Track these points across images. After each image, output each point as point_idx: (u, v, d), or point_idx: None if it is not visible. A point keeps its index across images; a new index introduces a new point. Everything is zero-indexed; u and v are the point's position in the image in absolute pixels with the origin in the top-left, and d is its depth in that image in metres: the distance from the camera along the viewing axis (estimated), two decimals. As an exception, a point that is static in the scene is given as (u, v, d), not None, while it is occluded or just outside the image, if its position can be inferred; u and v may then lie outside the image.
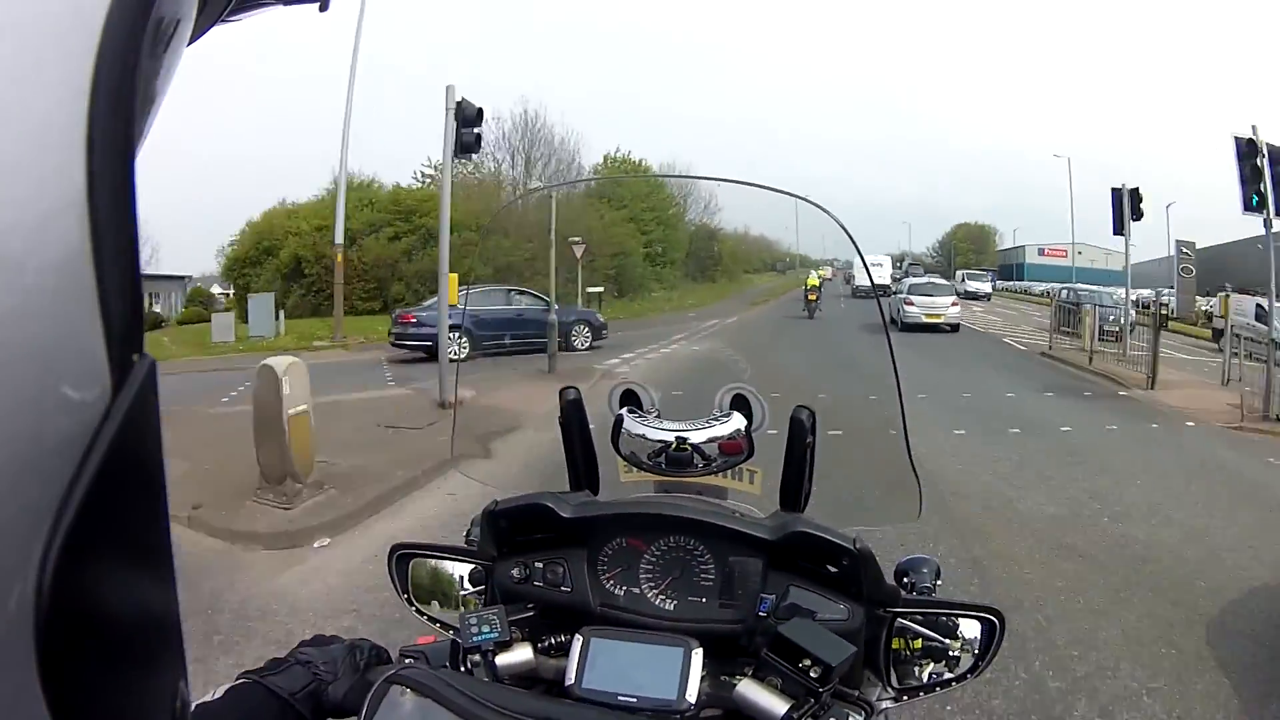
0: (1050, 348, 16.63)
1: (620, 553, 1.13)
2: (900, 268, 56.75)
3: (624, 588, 1.13)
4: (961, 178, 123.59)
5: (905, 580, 1.28)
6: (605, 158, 30.81)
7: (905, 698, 1.13)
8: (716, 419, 1.22)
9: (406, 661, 0.92)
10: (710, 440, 1.19)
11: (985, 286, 45.47)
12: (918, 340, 16.70)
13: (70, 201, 0.27)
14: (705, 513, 1.13)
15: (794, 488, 1.20)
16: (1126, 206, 15.94)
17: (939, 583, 1.31)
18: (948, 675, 1.12)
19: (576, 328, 13.75)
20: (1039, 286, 59.28)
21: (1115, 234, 16.60)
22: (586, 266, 18.23)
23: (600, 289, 19.33)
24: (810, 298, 11.89)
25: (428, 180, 27.06)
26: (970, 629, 1.12)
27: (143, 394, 0.30)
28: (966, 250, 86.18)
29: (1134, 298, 43.20)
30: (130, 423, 0.29)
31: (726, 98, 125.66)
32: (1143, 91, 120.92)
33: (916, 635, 1.12)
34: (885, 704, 1.15)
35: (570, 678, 0.97)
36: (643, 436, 1.20)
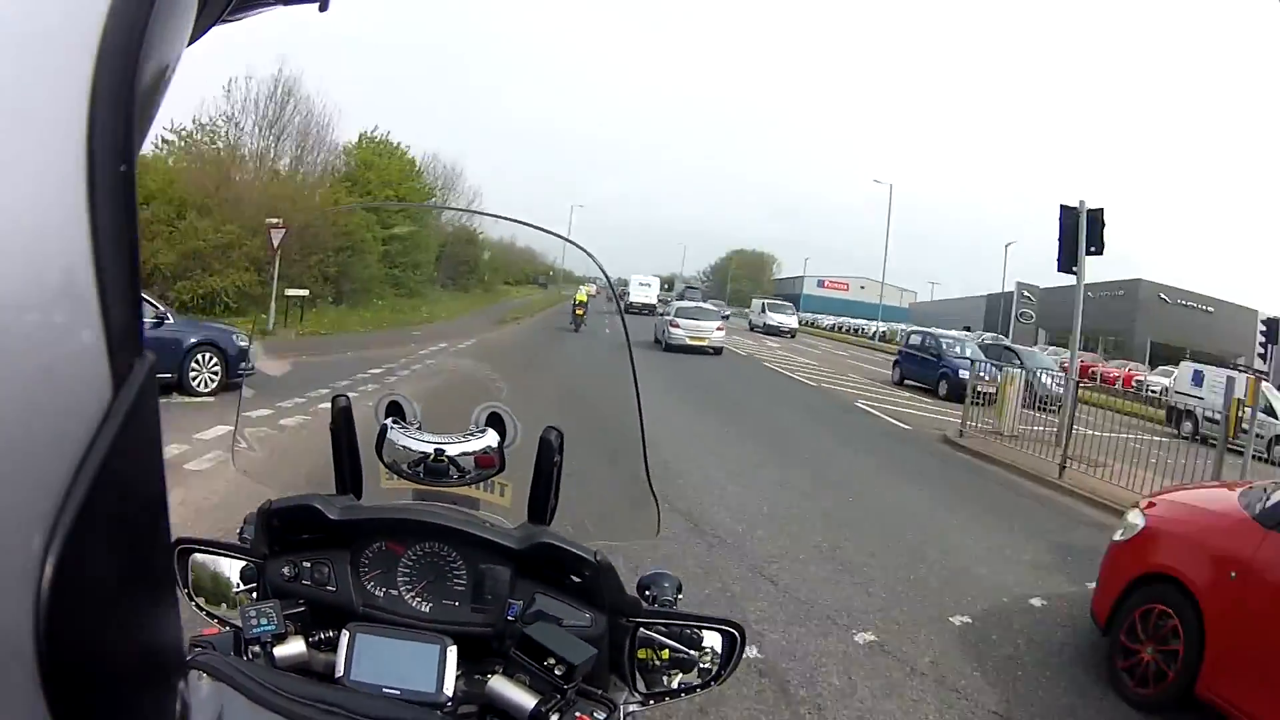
0: (961, 432, 11.26)
1: (380, 556, 1.19)
2: (670, 289, 56.59)
3: (384, 589, 1.18)
4: (744, 205, 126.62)
5: (647, 593, 1.35)
6: (361, 136, 26.92)
7: (651, 702, 1.22)
8: (472, 434, 1.28)
9: (198, 650, 0.93)
10: (465, 454, 1.25)
11: (790, 320, 40.62)
12: (774, 418, 11.95)
13: (70, 202, 0.27)
14: (457, 520, 1.19)
15: (541, 502, 1.26)
16: (1081, 232, 11.30)
17: (680, 597, 1.38)
18: (691, 683, 1.21)
19: (198, 356, 8.65)
20: (826, 320, 58.10)
21: (1061, 270, 11.76)
22: (297, 261, 14.49)
23: (304, 291, 14.80)
24: (578, 312, 12.32)
25: (166, 147, 20.47)
26: (713, 640, 1.20)
27: (143, 394, 0.31)
28: (741, 277, 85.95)
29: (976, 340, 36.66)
30: (130, 423, 0.29)
31: (509, 98, 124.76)
32: (961, 131, 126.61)
33: (663, 645, 1.20)
34: (632, 707, 1.24)
35: (340, 670, 1.04)
36: (404, 447, 1.25)
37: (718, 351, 22.76)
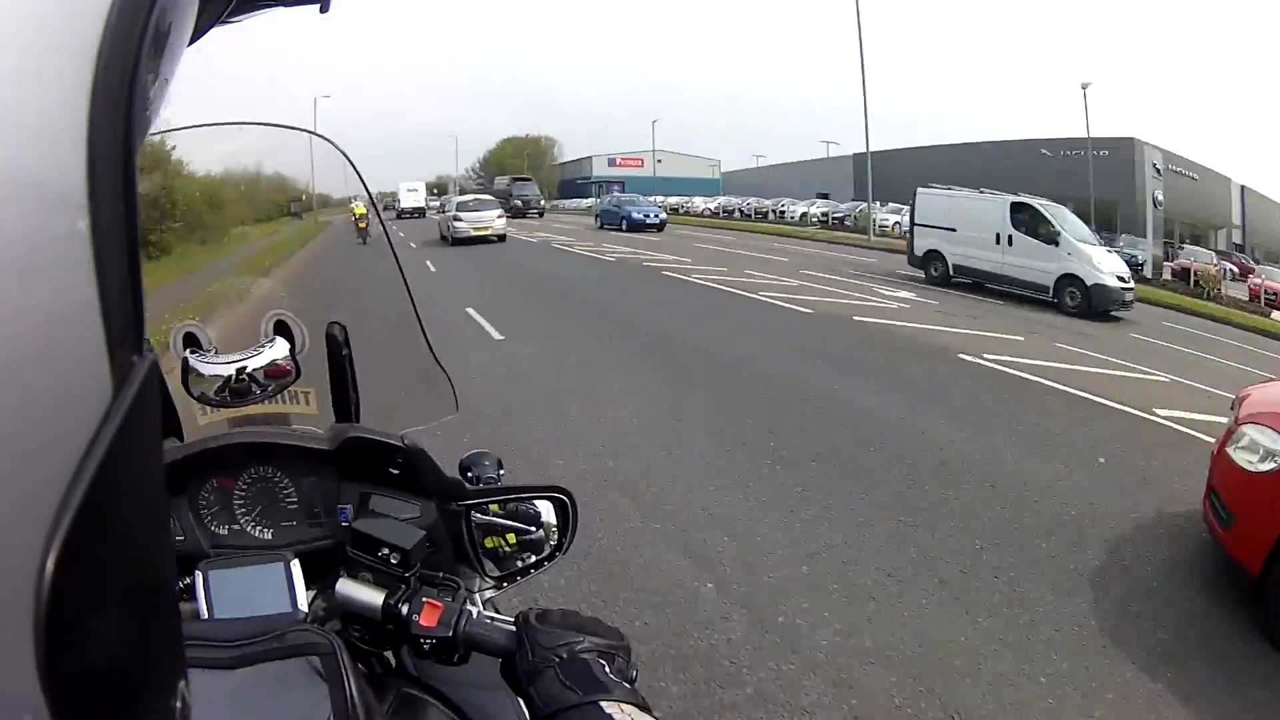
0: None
1: (215, 493, 1.19)
2: (441, 194, 54.97)
3: (226, 526, 1.18)
4: (500, 103, 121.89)
5: (469, 475, 1.39)
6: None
7: (505, 585, 1.25)
8: (264, 346, 1.25)
9: None
10: (264, 366, 1.23)
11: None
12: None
13: (70, 201, 0.27)
14: (268, 435, 1.20)
15: (344, 400, 1.28)
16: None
17: (503, 473, 1.42)
18: (537, 558, 1.23)
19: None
20: (585, 202, 52.99)
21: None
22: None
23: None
24: (361, 225, 11.42)
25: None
26: (548, 511, 1.22)
27: (143, 394, 0.30)
28: (517, 167, 71.67)
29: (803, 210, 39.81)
30: (130, 423, 0.29)
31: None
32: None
33: (508, 529, 1.21)
34: (488, 593, 1.26)
35: (203, 613, 1.03)
36: (206, 375, 1.22)
37: (501, 239, 23.95)
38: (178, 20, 0.35)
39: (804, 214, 39.73)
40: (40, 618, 0.26)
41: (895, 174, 37.43)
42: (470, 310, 11.16)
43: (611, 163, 69.96)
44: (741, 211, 43.86)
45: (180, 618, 0.37)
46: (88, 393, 0.28)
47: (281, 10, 0.64)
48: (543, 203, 39.48)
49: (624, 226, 30.27)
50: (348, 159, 1.41)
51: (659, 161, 64.60)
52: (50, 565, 0.26)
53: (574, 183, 71.29)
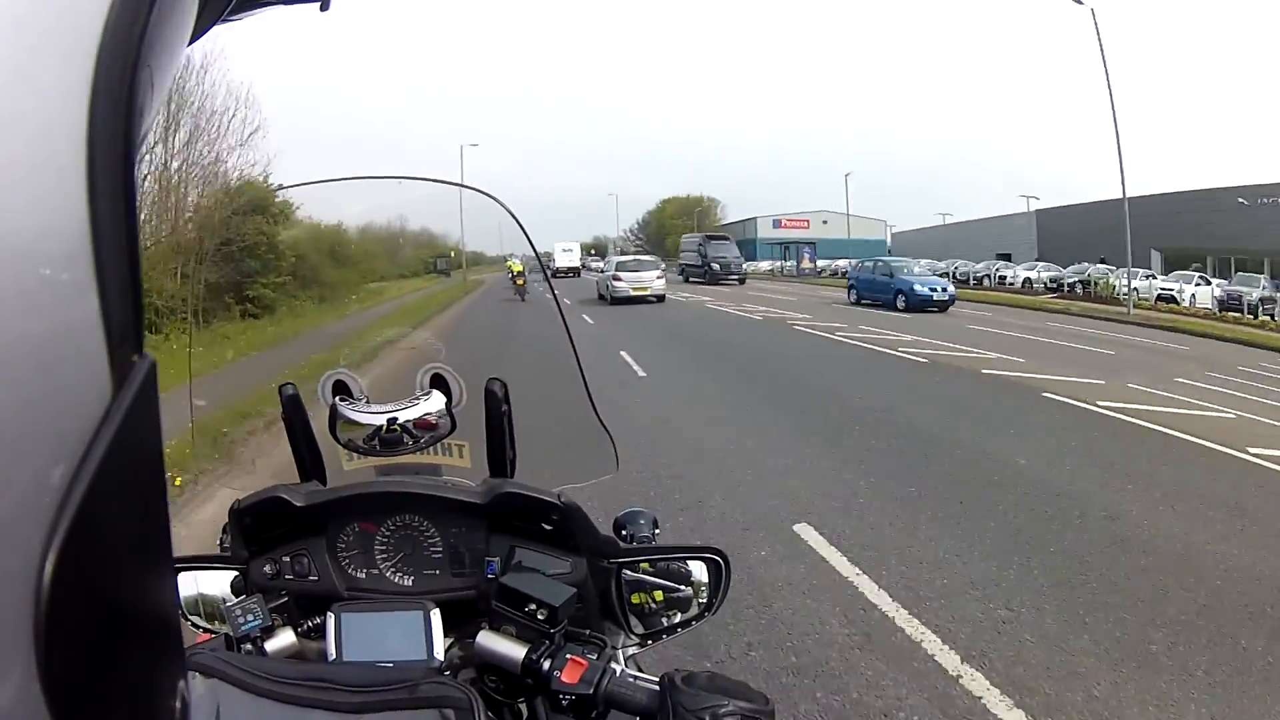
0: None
1: (355, 537, 1.19)
2: (598, 254, 56.24)
3: (364, 570, 1.19)
4: (657, 161, 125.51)
5: (624, 533, 1.37)
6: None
7: (649, 641, 1.23)
8: (419, 398, 1.27)
9: (192, 653, 0.94)
10: (416, 419, 1.25)
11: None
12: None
13: (70, 201, 0.27)
14: (420, 486, 1.20)
15: (499, 456, 1.27)
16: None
17: (658, 532, 1.40)
18: (685, 617, 1.21)
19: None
20: (763, 264, 51.49)
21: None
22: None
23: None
24: (519, 282, 11.66)
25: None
26: (700, 571, 1.21)
27: (143, 394, 0.31)
28: (681, 227, 70.05)
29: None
30: (130, 423, 0.29)
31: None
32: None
33: (655, 587, 1.20)
34: (631, 649, 1.25)
35: (331, 654, 1.04)
36: (356, 422, 1.24)
37: (660, 299, 24.28)
38: (178, 20, 0.34)
39: (1028, 279, 34.20)
40: (40, 618, 0.26)
41: (1071, 231, 36.00)
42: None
43: (777, 224, 66.50)
44: (952, 276, 36.26)
45: (180, 617, 0.37)
46: (88, 393, 0.29)
47: (282, 9, 0.63)
48: (744, 266, 35.20)
49: (902, 305, 21.47)
50: (513, 216, 1.39)
51: (824, 223, 60.64)
52: (50, 565, 0.26)
53: (739, 245, 69.22)
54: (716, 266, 33.17)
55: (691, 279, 34.29)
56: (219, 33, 0.53)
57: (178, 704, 0.35)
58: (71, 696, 0.27)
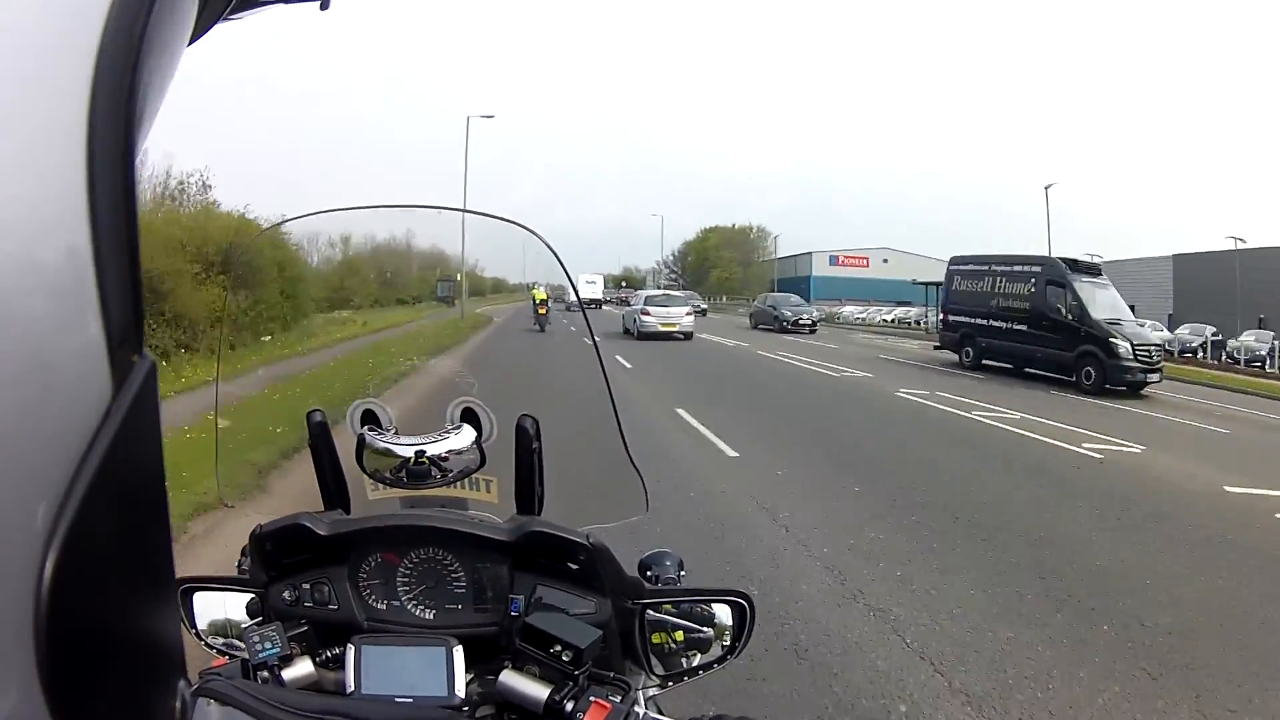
0: None
1: (378, 568, 1.18)
2: (627, 286, 54.19)
3: (385, 601, 1.18)
4: (691, 193, 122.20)
5: (649, 573, 1.36)
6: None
7: (670, 684, 1.21)
8: (449, 432, 1.27)
9: (205, 680, 0.92)
10: (445, 453, 1.24)
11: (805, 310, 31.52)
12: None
13: (70, 201, 0.27)
14: (446, 521, 1.18)
15: (528, 492, 1.25)
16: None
17: (684, 574, 1.39)
18: (707, 659, 1.20)
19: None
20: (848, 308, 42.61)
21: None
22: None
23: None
24: (540, 311, 10.57)
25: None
26: (723, 613, 1.20)
27: (143, 394, 0.31)
28: (728, 260, 65.11)
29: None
30: (130, 423, 0.29)
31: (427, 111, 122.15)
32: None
33: (676, 627, 1.19)
34: (651, 691, 1.24)
35: (349, 685, 1.03)
36: (384, 452, 1.23)
37: (688, 336, 23.02)
38: (178, 20, 0.35)
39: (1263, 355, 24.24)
40: (40, 617, 0.26)
41: (1213, 282, 31.44)
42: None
43: (834, 260, 60.56)
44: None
45: (180, 618, 0.37)
46: (88, 393, 0.29)
47: (281, 9, 0.63)
48: (815, 315, 33.31)
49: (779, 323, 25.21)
50: (548, 246, 1.35)
51: (885, 261, 56.08)
52: (50, 565, 0.26)
53: (791, 282, 57.41)
54: (787, 316, 31.72)
55: (760, 326, 32.60)
56: (219, 32, 0.50)
57: (178, 704, 0.36)
58: (71, 696, 0.27)
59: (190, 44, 0.40)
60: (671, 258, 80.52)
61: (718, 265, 66.37)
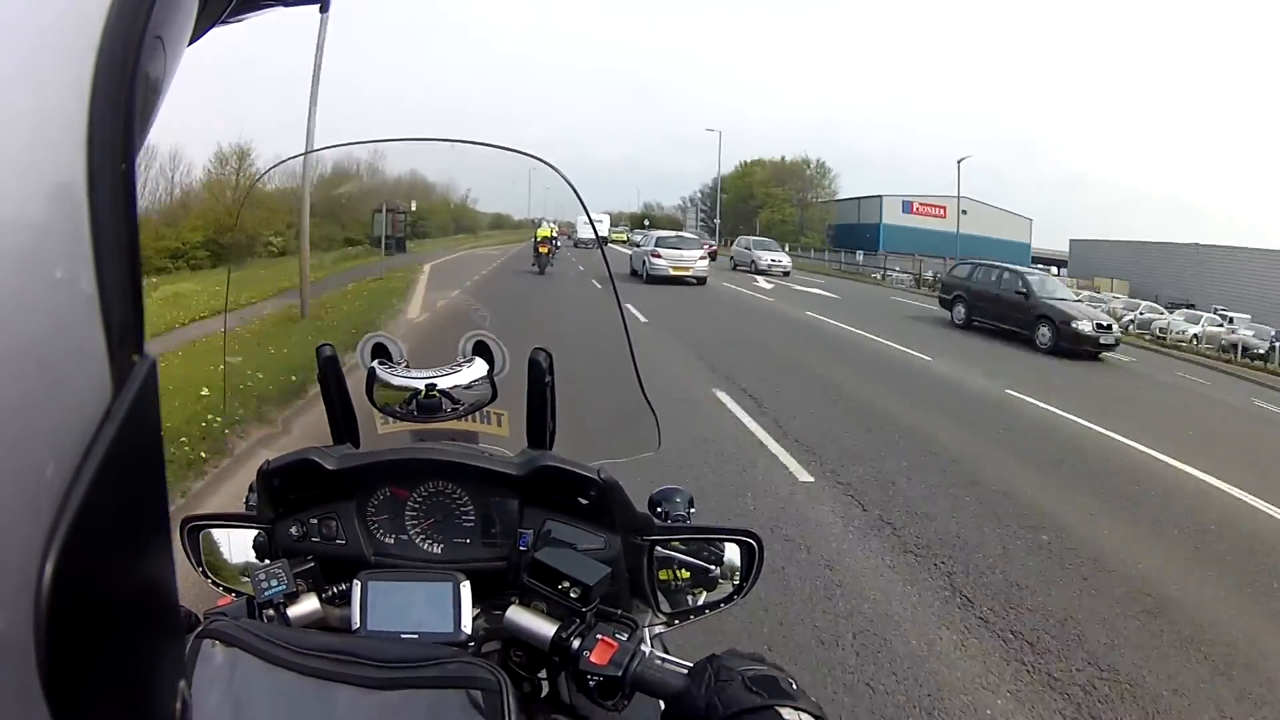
0: None
1: (386, 501, 1.18)
2: (649, 226, 49.88)
3: (393, 535, 1.17)
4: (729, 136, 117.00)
5: (659, 510, 1.35)
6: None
7: (676, 621, 1.21)
8: (461, 365, 1.24)
9: (210, 620, 0.93)
10: (456, 386, 1.22)
11: (778, 257, 31.05)
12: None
13: (70, 201, 0.27)
14: (456, 454, 1.17)
15: (539, 427, 1.24)
16: None
17: (693, 511, 1.38)
18: (714, 598, 1.19)
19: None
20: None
21: None
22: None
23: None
24: (542, 249, 8.57)
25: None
26: (732, 553, 1.19)
27: (143, 394, 0.31)
28: (778, 199, 54.52)
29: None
30: (130, 423, 0.29)
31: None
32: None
33: (683, 565, 1.19)
34: (658, 628, 1.24)
35: (355, 622, 1.02)
36: (394, 386, 1.21)
37: (701, 282, 21.53)
38: (178, 20, 0.35)
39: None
40: (40, 617, 0.26)
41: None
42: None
43: (907, 208, 50.49)
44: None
45: (181, 618, 0.37)
46: (88, 393, 0.29)
47: (281, 10, 0.63)
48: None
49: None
50: (566, 179, 1.33)
51: (964, 213, 44.05)
52: (50, 565, 0.26)
53: (854, 229, 50.39)
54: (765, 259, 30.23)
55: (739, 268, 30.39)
56: (219, 33, 0.51)
57: (178, 705, 0.36)
58: (71, 696, 0.27)
59: (190, 44, 0.40)
60: (699, 195, 69.84)
61: (768, 204, 55.13)
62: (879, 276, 35.57)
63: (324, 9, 0.85)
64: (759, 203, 56.43)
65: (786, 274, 29.85)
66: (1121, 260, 39.95)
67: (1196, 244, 37.66)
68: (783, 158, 60.27)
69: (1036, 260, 43.12)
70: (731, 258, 33.66)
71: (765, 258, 30.90)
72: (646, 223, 58.09)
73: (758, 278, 28.22)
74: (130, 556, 0.32)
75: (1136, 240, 41.62)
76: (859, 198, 54.61)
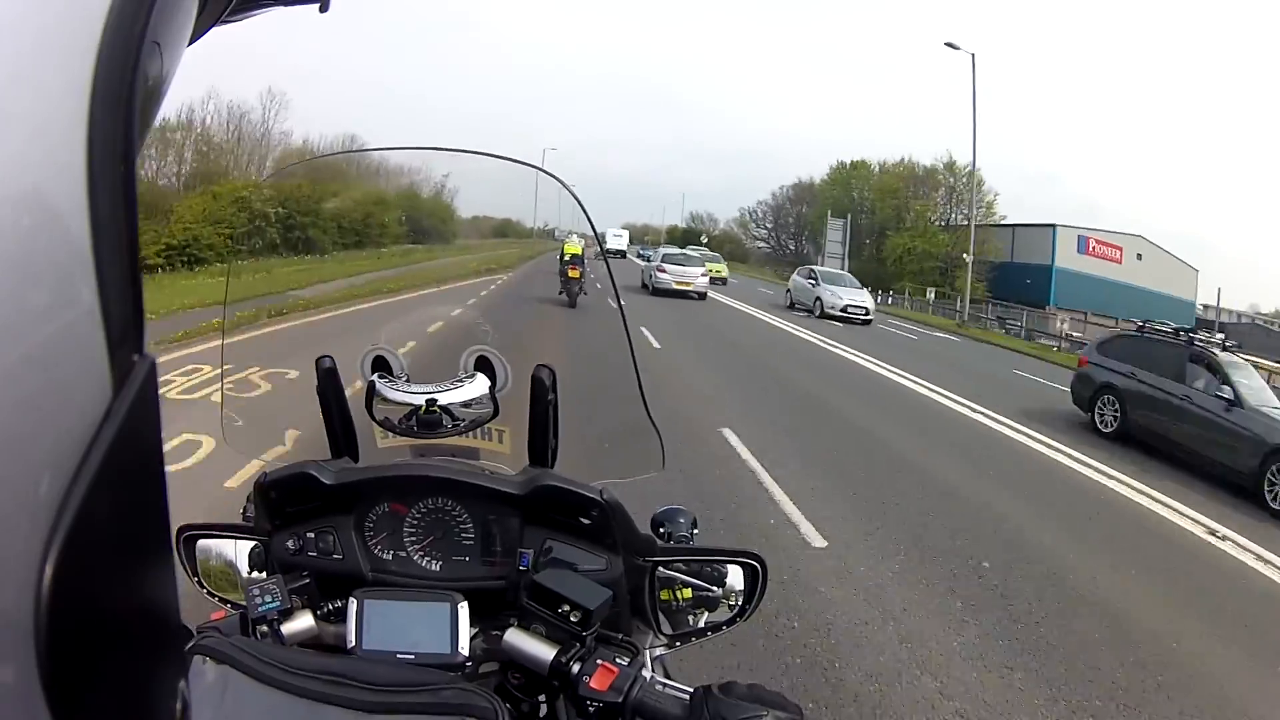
0: None
1: (384, 518, 1.16)
2: (649, 246, 51.19)
3: (391, 552, 1.16)
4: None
5: (662, 530, 1.34)
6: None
7: (678, 644, 1.20)
8: (462, 380, 1.24)
9: (203, 635, 0.92)
10: (457, 402, 1.21)
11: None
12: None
13: (70, 201, 0.27)
14: (456, 472, 1.16)
15: (540, 444, 1.21)
16: None
17: (696, 532, 1.37)
18: (717, 620, 1.18)
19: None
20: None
21: None
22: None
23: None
24: (571, 273, 7.76)
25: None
26: (735, 575, 1.18)
27: (143, 394, 0.31)
28: (884, 210, 39.42)
29: None
30: (130, 423, 0.29)
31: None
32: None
33: (685, 585, 1.18)
34: (658, 650, 1.22)
35: (350, 640, 1.01)
36: (394, 400, 1.21)
37: (701, 297, 23.36)
38: (178, 20, 0.34)
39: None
40: (40, 618, 0.26)
41: None
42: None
43: (1083, 245, 36.92)
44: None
45: (180, 618, 0.36)
46: (88, 393, 0.29)
47: (281, 10, 0.63)
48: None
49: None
50: (575, 197, 1.32)
51: (1139, 257, 35.92)
52: (50, 566, 0.26)
53: (1010, 271, 37.09)
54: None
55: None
56: (219, 32, 0.50)
57: (178, 705, 0.35)
58: (71, 696, 0.27)
59: (190, 44, 0.40)
60: (760, 211, 59.20)
61: (903, 223, 38.80)
62: (1056, 347, 24.37)
63: (324, 9, 0.82)
64: (880, 219, 40.77)
65: (868, 321, 22.82)
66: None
67: None
68: (905, 159, 43.23)
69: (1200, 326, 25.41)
70: (789, 292, 26.45)
71: (841, 297, 23.07)
72: (704, 239, 52.12)
73: (828, 323, 21.33)
74: (130, 557, 0.32)
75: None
76: (1013, 224, 39.95)
